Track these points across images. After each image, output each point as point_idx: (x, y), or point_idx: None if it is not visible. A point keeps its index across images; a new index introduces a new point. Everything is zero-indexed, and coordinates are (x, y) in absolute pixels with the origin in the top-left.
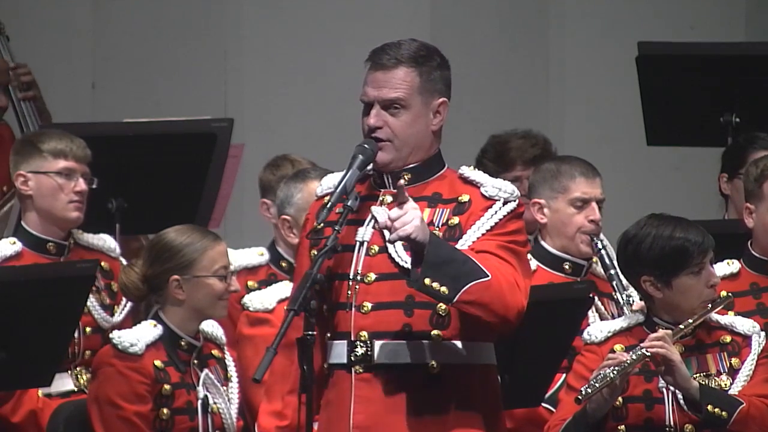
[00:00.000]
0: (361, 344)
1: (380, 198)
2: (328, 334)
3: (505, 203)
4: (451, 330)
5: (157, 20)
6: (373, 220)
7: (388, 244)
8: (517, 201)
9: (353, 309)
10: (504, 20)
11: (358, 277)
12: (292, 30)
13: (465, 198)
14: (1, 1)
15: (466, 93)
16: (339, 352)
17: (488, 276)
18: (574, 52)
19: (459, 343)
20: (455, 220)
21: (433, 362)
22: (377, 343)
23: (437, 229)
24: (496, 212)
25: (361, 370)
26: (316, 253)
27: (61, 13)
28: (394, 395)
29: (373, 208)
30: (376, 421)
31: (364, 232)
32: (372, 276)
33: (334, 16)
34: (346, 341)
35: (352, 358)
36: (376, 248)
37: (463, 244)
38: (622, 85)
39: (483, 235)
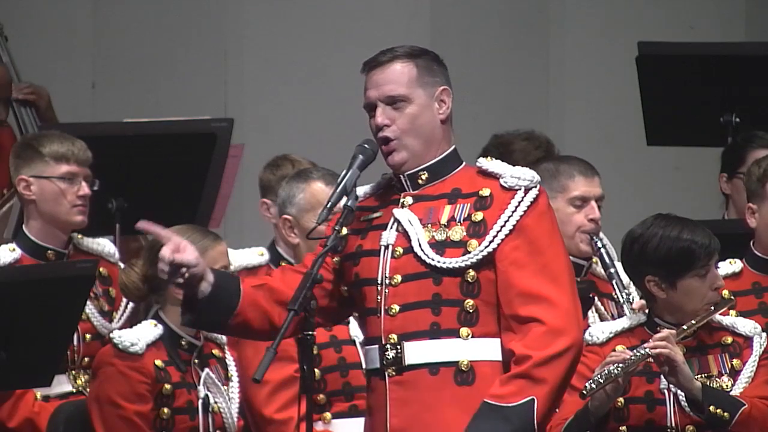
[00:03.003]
0: (391, 347)
1: (401, 200)
2: (362, 341)
3: (526, 191)
4: (480, 327)
5: (157, 20)
6: (396, 223)
7: (413, 244)
8: (538, 187)
9: (382, 313)
10: (504, 20)
11: (386, 281)
12: (292, 30)
13: (486, 192)
14: (1, 1)
15: (467, 93)
16: (372, 357)
17: None
18: (574, 52)
19: (488, 340)
20: (479, 215)
21: (464, 359)
22: (407, 345)
23: (459, 224)
24: (519, 203)
25: (393, 373)
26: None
27: (61, 13)
28: (428, 395)
29: (394, 210)
30: (412, 423)
31: (388, 236)
32: (398, 278)
33: (334, 16)
34: (377, 346)
35: (384, 362)
36: (401, 250)
37: (481, 249)
38: (622, 85)
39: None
